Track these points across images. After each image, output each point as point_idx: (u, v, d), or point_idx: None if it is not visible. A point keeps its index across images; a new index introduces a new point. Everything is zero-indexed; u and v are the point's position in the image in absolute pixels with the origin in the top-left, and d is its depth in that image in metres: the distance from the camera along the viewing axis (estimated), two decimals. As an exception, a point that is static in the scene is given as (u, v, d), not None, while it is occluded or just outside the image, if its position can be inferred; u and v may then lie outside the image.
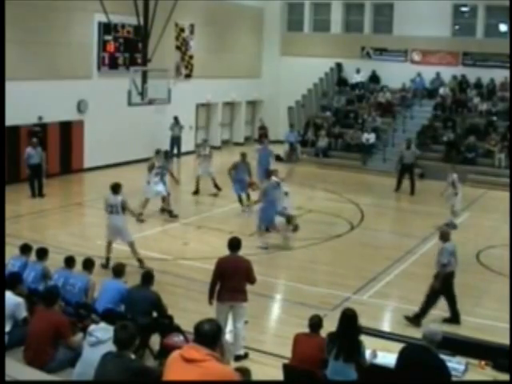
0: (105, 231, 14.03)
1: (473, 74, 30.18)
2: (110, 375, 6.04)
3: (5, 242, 11.96)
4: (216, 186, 21.10)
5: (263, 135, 30.65)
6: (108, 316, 7.93)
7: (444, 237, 11.79)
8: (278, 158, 29.27)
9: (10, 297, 8.38)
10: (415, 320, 11.48)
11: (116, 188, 13.89)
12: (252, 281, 9.95)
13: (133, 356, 6.27)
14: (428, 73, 30.97)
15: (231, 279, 9.71)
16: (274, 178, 16.63)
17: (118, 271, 9.73)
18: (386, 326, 11.64)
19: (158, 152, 18.73)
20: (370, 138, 27.98)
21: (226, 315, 9.83)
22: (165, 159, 19.31)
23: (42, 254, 10.43)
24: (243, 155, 19.56)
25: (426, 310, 11.55)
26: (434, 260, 11.75)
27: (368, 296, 12.98)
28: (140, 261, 13.75)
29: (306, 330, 8.22)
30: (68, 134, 23.64)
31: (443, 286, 11.54)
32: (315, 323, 8.18)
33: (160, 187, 18.06)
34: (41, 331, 7.83)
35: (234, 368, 6.05)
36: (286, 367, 8.04)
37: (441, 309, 12.24)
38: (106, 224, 13.98)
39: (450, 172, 18.85)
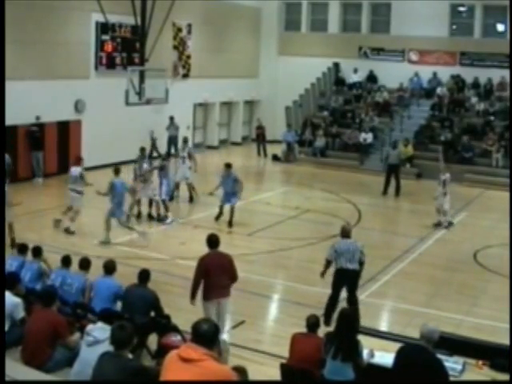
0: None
1: (470, 73, 30.19)
2: (107, 375, 6.04)
3: (5, 242, 11.94)
4: (191, 193, 20.22)
5: (261, 135, 30.70)
6: (105, 316, 7.93)
7: (342, 233, 11.48)
8: (276, 158, 29.38)
9: (8, 297, 8.37)
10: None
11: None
12: (234, 277, 9.97)
13: (130, 356, 6.27)
14: (425, 72, 31.01)
15: (217, 276, 9.75)
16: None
17: (109, 268, 9.73)
18: (383, 326, 11.64)
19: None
20: (367, 137, 27.99)
21: (214, 311, 9.89)
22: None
23: (37, 252, 10.42)
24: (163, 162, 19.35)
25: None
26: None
27: (366, 296, 12.95)
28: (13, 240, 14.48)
29: (304, 329, 8.22)
30: (66, 134, 23.62)
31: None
32: (313, 323, 8.17)
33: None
34: (38, 331, 7.82)
35: (231, 367, 6.04)
36: (283, 367, 8.04)
37: (439, 308, 12.28)
38: None
39: (443, 171, 18.73)
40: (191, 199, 20.23)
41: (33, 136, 21.93)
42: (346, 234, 11.41)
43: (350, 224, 18.18)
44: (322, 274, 11.44)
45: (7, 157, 19.11)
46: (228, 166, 17.93)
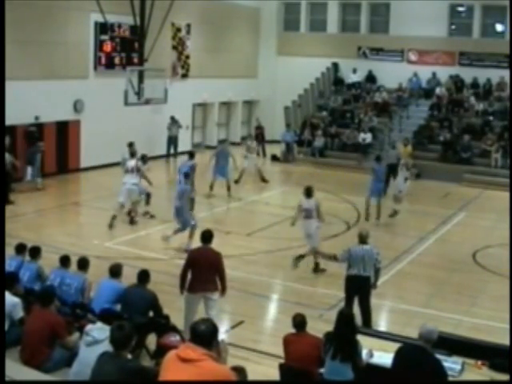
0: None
1: (469, 73, 30.19)
2: (106, 375, 6.03)
3: (4, 242, 11.90)
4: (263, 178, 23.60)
5: (260, 135, 30.69)
6: (105, 316, 7.93)
7: (359, 238, 11.12)
8: (275, 158, 29.39)
9: (7, 297, 8.37)
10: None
11: (310, 191, 14.07)
12: (221, 274, 10.00)
13: (129, 356, 6.27)
14: (424, 73, 31.01)
15: (203, 270, 9.88)
16: None
17: (115, 272, 9.71)
18: (382, 326, 11.64)
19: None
20: (366, 137, 28.00)
21: (197, 305, 10.02)
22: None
23: (35, 252, 10.40)
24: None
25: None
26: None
27: (364, 296, 12.96)
28: (317, 264, 14.12)
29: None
30: (64, 134, 23.60)
31: None
32: (300, 322, 8.14)
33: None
34: (37, 331, 7.82)
35: (230, 367, 6.04)
36: (282, 367, 8.04)
37: (438, 309, 12.29)
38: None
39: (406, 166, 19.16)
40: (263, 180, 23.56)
41: (31, 136, 21.86)
42: (362, 239, 11.05)
43: (349, 223, 18.30)
44: (334, 257, 11.37)
45: (8, 156, 19.18)
46: (378, 159, 19.15)
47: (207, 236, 10.17)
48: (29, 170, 20.82)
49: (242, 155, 23.54)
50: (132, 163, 17.17)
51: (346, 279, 11.03)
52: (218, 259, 10.02)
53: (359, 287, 10.93)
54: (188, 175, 16.74)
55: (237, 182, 22.60)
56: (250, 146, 23.68)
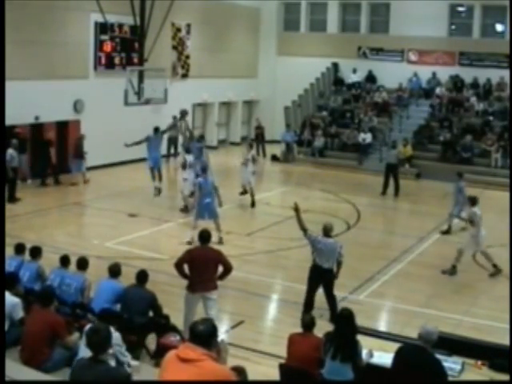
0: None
1: (469, 73, 30.21)
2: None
3: (5, 242, 11.90)
4: (253, 199, 20.30)
5: (260, 135, 30.70)
6: (104, 316, 7.93)
7: (323, 231, 11.45)
8: (275, 158, 29.39)
9: (7, 297, 8.37)
10: None
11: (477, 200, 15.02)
12: (227, 267, 10.03)
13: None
14: (424, 73, 31.04)
15: (202, 270, 9.88)
16: None
17: (114, 271, 9.72)
18: (382, 326, 11.64)
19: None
20: (366, 137, 28.00)
21: (196, 305, 10.04)
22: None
23: (36, 252, 10.39)
24: None
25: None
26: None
27: (364, 296, 12.99)
28: (495, 266, 14.53)
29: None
30: (65, 134, 23.60)
31: None
32: (308, 322, 8.18)
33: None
34: (37, 331, 7.82)
35: (230, 367, 6.05)
36: (282, 367, 8.04)
37: (438, 309, 12.29)
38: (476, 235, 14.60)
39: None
40: (253, 204, 20.15)
41: (17, 138, 21.23)
42: (326, 232, 11.43)
43: (350, 223, 18.29)
44: (304, 230, 11.52)
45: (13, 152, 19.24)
46: (460, 175, 18.42)
47: (206, 236, 10.15)
48: (82, 162, 22.27)
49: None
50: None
51: (310, 268, 11.42)
52: (218, 257, 10.03)
53: (320, 278, 11.32)
54: (205, 169, 17.17)
55: (243, 193, 20.72)
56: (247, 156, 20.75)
